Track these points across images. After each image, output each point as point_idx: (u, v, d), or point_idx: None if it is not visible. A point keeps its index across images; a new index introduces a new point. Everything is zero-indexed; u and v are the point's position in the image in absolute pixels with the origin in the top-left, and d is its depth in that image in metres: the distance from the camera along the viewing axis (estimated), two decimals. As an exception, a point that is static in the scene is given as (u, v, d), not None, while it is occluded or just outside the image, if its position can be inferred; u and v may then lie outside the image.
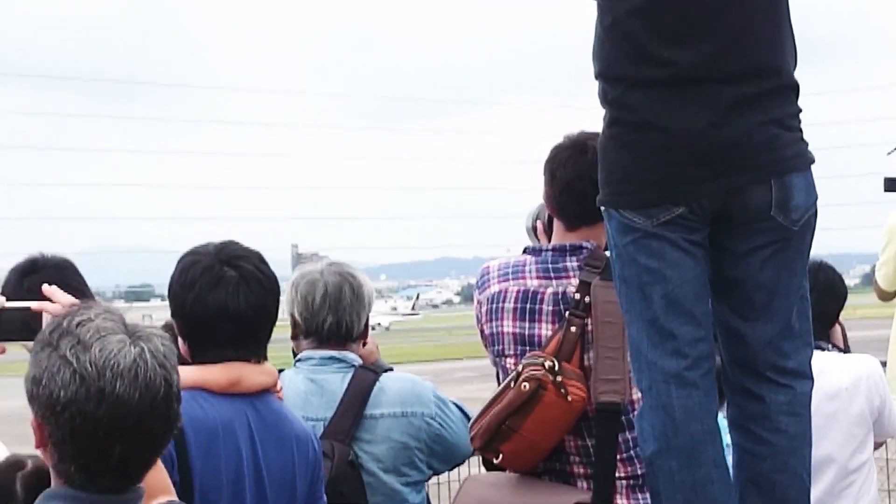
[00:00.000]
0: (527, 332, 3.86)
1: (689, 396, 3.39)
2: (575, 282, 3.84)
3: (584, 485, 3.80)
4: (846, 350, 5.42)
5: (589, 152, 3.82)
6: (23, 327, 3.05)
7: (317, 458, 3.45)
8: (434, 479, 4.69)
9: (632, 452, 3.78)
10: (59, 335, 2.45)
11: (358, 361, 4.07)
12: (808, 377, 3.54)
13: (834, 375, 5.04)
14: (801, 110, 3.51)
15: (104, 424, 2.39)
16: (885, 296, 7.46)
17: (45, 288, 3.11)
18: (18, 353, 3.17)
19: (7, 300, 3.73)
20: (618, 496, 3.78)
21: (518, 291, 3.90)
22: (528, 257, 3.96)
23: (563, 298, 3.84)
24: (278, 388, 3.45)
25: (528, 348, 3.83)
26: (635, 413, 3.62)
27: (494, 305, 3.92)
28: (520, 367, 3.76)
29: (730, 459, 3.54)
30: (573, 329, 3.77)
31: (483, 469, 4.04)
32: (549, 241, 4.09)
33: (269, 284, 3.37)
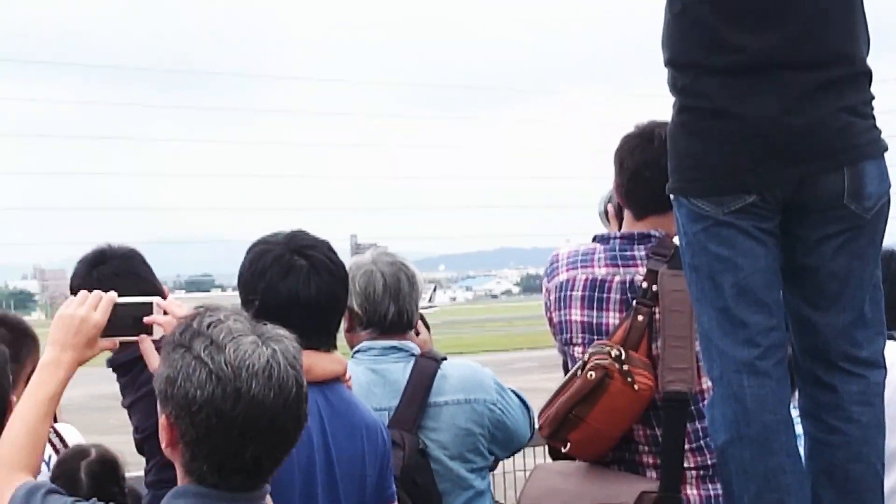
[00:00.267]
0: (594, 321, 3.86)
1: (762, 386, 3.37)
2: (643, 270, 3.83)
3: (653, 474, 3.80)
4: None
5: (656, 140, 3.82)
6: (133, 324, 3.07)
7: (386, 447, 3.46)
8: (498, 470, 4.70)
9: (701, 442, 3.77)
10: (190, 336, 2.49)
11: (417, 350, 4.09)
12: (881, 366, 3.51)
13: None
14: (874, 97, 3.48)
15: (239, 424, 2.43)
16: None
17: (160, 301, 3.13)
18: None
19: (77, 290, 3.78)
20: (687, 486, 3.78)
21: (586, 279, 3.90)
22: (597, 245, 3.96)
23: (631, 287, 3.83)
24: (347, 376, 3.46)
25: (595, 337, 3.83)
26: (705, 402, 3.61)
27: (563, 293, 3.93)
28: (586, 356, 3.76)
29: (802, 449, 3.52)
30: (640, 318, 3.77)
31: (548, 459, 4.05)
32: (620, 226, 4.09)
33: (338, 273, 3.38)
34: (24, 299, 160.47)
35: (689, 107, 3.46)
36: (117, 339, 3.06)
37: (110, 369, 3.66)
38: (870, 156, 3.43)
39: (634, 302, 3.80)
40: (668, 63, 3.51)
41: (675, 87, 3.49)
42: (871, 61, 3.50)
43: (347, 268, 4.12)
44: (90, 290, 3.10)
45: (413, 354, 4.06)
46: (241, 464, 2.48)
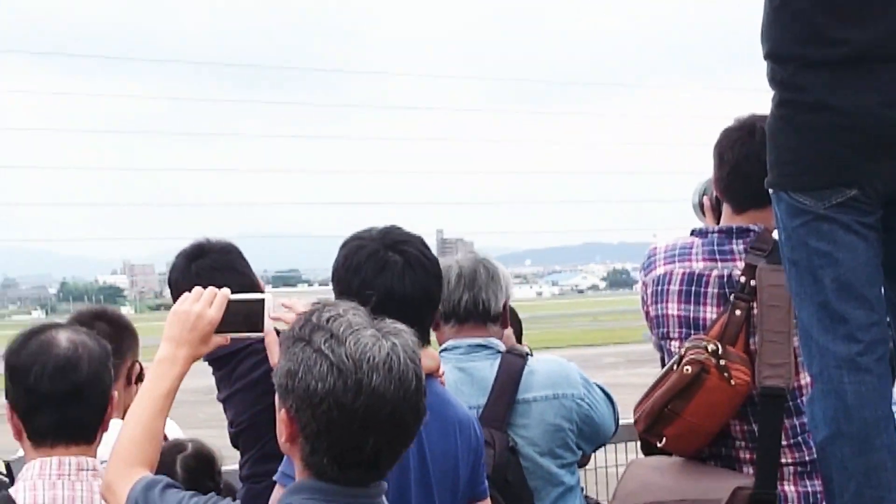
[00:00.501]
0: (692, 315, 3.83)
1: (862, 382, 3.33)
2: (741, 265, 3.80)
3: (750, 470, 3.77)
4: None
5: (757, 134, 3.78)
6: (245, 320, 3.09)
7: (479, 443, 3.44)
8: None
9: (799, 438, 3.74)
10: (310, 330, 2.50)
11: (502, 347, 4.07)
12: None
13: None
14: None
15: (360, 416, 2.44)
16: None
17: (284, 301, 3.16)
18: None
19: (176, 284, 3.80)
20: (785, 482, 3.74)
21: (683, 274, 3.87)
22: (695, 239, 3.94)
23: (729, 281, 3.80)
24: (440, 372, 3.46)
25: (692, 331, 3.81)
26: (803, 398, 3.57)
27: (660, 287, 3.91)
28: (682, 351, 3.74)
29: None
30: (738, 312, 3.74)
31: (640, 455, 4.03)
32: (716, 218, 4.06)
33: (432, 268, 3.38)
34: (113, 294, 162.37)
35: (788, 100, 3.43)
36: (230, 335, 3.08)
37: (206, 363, 3.69)
38: None
39: (732, 296, 3.77)
40: (767, 56, 3.48)
41: (774, 80, 3.46)
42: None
43: None
44: (189, 284, 3.12)
45: (499, 351, 4.05)
46: (361, 457, 2.48)
